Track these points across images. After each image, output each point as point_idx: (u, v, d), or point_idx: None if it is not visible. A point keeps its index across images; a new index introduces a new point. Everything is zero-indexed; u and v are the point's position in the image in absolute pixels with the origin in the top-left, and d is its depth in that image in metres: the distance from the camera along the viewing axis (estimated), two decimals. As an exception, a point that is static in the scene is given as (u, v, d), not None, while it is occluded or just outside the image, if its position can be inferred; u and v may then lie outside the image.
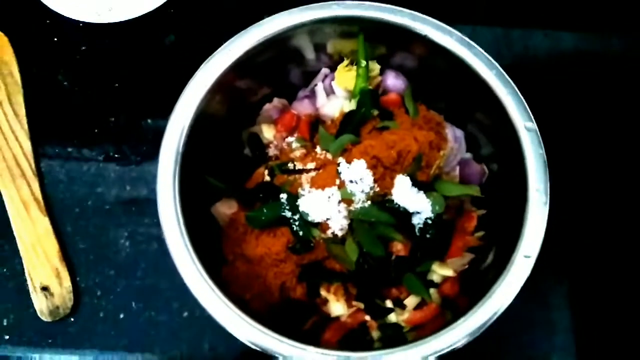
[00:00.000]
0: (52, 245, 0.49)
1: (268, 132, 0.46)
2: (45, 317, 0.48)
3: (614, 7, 0.56)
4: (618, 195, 0.51)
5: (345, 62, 0.46)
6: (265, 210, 0.40)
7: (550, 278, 0.50)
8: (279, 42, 0.43)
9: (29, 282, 0.48)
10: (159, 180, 0.39)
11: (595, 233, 0.50)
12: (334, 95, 0.47)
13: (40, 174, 0.51)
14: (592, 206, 0.50)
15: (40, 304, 0.48)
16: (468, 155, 0.47)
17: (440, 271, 0.43)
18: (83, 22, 0.51)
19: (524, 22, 0.55)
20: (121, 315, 0.49)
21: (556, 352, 0.48)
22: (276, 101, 0.48)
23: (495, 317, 0.38)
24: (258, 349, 0.37)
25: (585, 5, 0.56)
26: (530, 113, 0.39)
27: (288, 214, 0.40)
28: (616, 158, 0.52)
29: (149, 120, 0.53)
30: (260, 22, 0.42)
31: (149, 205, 0.51)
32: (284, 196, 0.40)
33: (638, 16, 0.55)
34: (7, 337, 0.48)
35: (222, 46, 0.42)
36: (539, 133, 0.39)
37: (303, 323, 0.43)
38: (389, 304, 0.43)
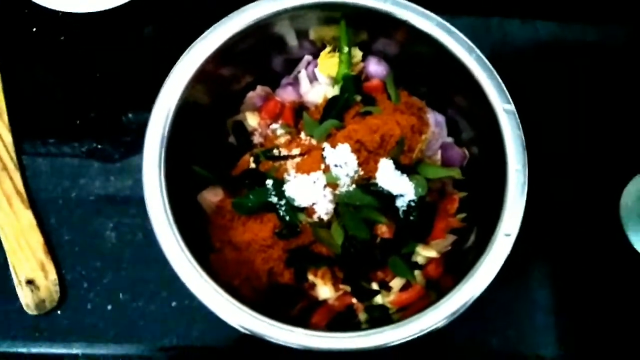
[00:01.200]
0: (36, 238, 0.49)
1: (252, 120, 0.46)
2: (31, 311, 0.47)
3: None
4: (595, 175, 0.52)
5: (328, 49, 0.47)
6: (251, 197, 0.41)
7: (530, 259, 0.51)
8: (261, 29, 0.44)
9: (13, 276, 0.48)
10: (144, 170, 0.39)
11: (574, 213, 0.52)
12: (317, 82, 0.47)
13: (22, 167, 0.50)
14: (570, 187, 0.52)
15: (26, 298, 0.47)
16: (449, 139, 0.48)
17: (424, 253, 0.44)
18: (62, 12, 0.51)
19: (502, 11, 0.57)
20: (109, 307, 0.48)
21: (537, 332, 0.50)
22: (259, 89, 0.48)
23: (477, 295, 0.39)
24: (249, 332, 0.37)
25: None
26: (509, 95, 0.40)
27: (274, 199, 0.40)
28: (592, 138, 0.53)
29: (132, 111, 0.53)
30: (242, 8, 0.42)
31: (134, 196, 0.51)
32: (269, 182, 0.41)
33: (612, 8, 0.57)
34: (-8, 331, 0.48)
35: (204, 34, 0.42)
36: (517, 115, 0.40)
37: (291, 307, 0.43)
38: (375, 286, 0.44)
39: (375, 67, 0.47)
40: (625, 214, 0.50)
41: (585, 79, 0.55)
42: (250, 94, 0.48)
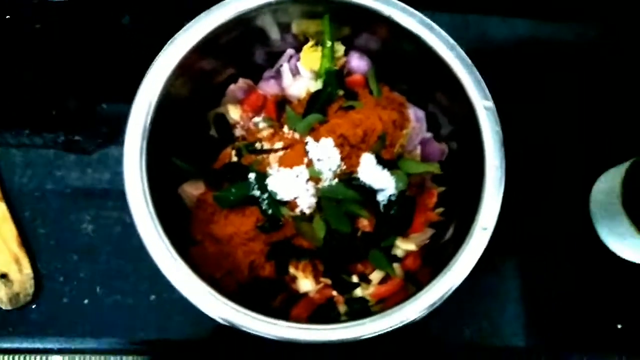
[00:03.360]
0: (9, 231, 0.47)
1: (234, 113, 0.46)
2: (4, 305, 0.46)
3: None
4: (567, 170, 0.54)
5: (311, 42, 0.47)
6: (233, 190, 0.41)
7: (504, 251, 0.52)
8: (244, 22, 0.43)
9: (-15, 269, 0.46)
10: (125, 161, 0.39)
11: (546, 207, 0.53)
12: (300, 76, 0.47)
13: (-6, 158, 0.49)
14: (543, 182, 0.54)
15: (-1, 292, 0.46)
16: (429, 134, 0.49)
17: (403, 246, 0.45)
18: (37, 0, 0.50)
19: (481, 9, 0.58)
20: (85, 301, 0.48)
21: (510, 323, 0.51)
22: (241, 82, 0.48)
23: (455, 288, 0.40)
24: (230, 325, 0.37)
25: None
26: (488, 93, 0.41)
27: (257, 193, 0.40)
28: (565, 135, 0.55)
29: (109, 102, 0.52)
30: (225, 1, 0.42)
31: (112, 188, 0.50)
32: (252, 176, 0.41)
33: (588, 8, 0.58)
34: (-36, 327, 0.46)
35: (186, 26, 0.42)
36: (496, 112, 0.41)
37: (272, 300, 0.44)
38: (355, 279, 0.44)
39: (358, 62, 0.47)
40: (595, 209, 0.52)
41: (560, 77, 0.56)
42: (232, 86, 0.48)
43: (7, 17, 0.52)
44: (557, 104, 0.55)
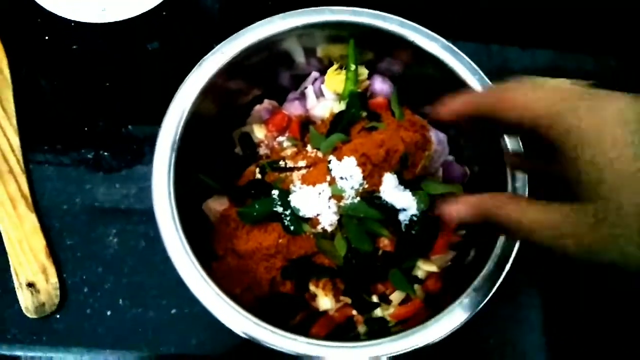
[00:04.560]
0: (39, 242, 0.49)
1: (259, 132, 0.47)
2: (30, 314, 0.47)
3: (588, 30, 0.60)
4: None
5: (335, 66, 0.48)
6: (257, 206, 0.41)
7: (523, 278, 0.52)
8: (270, 46, 0.45)
9: (14, 278, 0.48)
10: (154, 177, 0.40)
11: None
12: (324, 98, 0.48)
13: (28, 171, 0.51)
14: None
15: (26, 301, 0.47)
16: (451, 157, 0.49)
17: (424, 267, 0.45)
18: (75, 22, 0.52)
19: (502, 39, 0.59)
20: (108, 313, 0.49)
21: (530, 350, 0.50)
22: (267, 102, 0.49)
23: (474, 312, 0.40)
24: (252, 340, 0.37)
25: (561, 26, 0.60)
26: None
27: (279, 209, 0.41)
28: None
29: (139, 121, 0.54)
30: (252, 25, 0.44)
31: (137, 204, 0.51)
32: (275, 192, 0.41)
33: (608, 40, 0.59)
34: (-10, 333, 0.47)
35: (215, 48, 0.43)
36: (519, 137, 0.41)
37: (292, 317, 0.44)
38: (375, 299, 0.44)
39: (381, 85, 0.48)
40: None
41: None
42: (258, 107, 0.49)
43: (46, 37, 0.55)
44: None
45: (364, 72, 0.48)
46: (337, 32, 0.45)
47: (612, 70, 0.58)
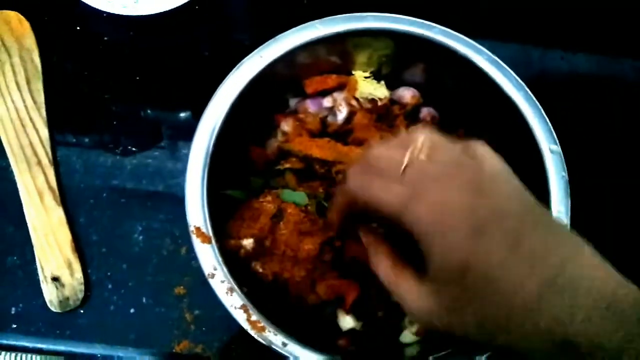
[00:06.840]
0: (65, 236, 0.49)
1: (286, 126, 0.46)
2: (54, 308, 0.47)
3: (630, 33, 0.57)
4: (636, 217, 0.52)
5: (366, 73, 0.47)
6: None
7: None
8: (301, 53, 0.44)
9: (39, 271, 0.48)
10: (188, 179, 0.39)
11: (614, 257, 0.51)
12: (353, 105, 0.47)
13: (56, 163, 0.51)
14: (610, 228, 0.52)
15: (50, 294, 0.47)
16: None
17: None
18: (107, 13, 0.51)
19: (541, 41, 0.57)
20: (131, 310, 0.48)
21: None
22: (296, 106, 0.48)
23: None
24: (268, 345, 0.37)
25: (601, 30, 0.58)
26: (555, 135, 0.40)
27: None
28: (636, 180, 0.53)
29: (169, 117, 0.53)
30: (292, 30, 0.43)
31: (165, 201, 0.51)
32: None
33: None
34: (14, 325, 0.47)
35: (254, 52, 0.42)
36: (562, 156, 0.40)
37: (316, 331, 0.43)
38: None
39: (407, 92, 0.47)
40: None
41: (622, 116, 0.55)
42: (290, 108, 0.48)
43: (78, 28, 0.55)
44: (623, 145, 0.54)
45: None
46: (375, 39, 0.44)
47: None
